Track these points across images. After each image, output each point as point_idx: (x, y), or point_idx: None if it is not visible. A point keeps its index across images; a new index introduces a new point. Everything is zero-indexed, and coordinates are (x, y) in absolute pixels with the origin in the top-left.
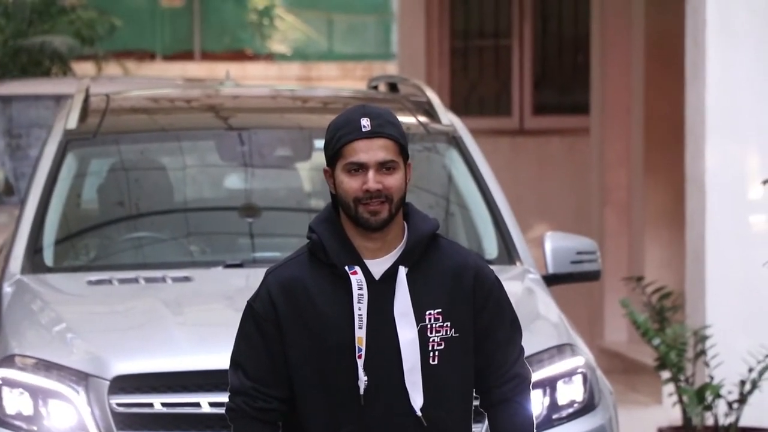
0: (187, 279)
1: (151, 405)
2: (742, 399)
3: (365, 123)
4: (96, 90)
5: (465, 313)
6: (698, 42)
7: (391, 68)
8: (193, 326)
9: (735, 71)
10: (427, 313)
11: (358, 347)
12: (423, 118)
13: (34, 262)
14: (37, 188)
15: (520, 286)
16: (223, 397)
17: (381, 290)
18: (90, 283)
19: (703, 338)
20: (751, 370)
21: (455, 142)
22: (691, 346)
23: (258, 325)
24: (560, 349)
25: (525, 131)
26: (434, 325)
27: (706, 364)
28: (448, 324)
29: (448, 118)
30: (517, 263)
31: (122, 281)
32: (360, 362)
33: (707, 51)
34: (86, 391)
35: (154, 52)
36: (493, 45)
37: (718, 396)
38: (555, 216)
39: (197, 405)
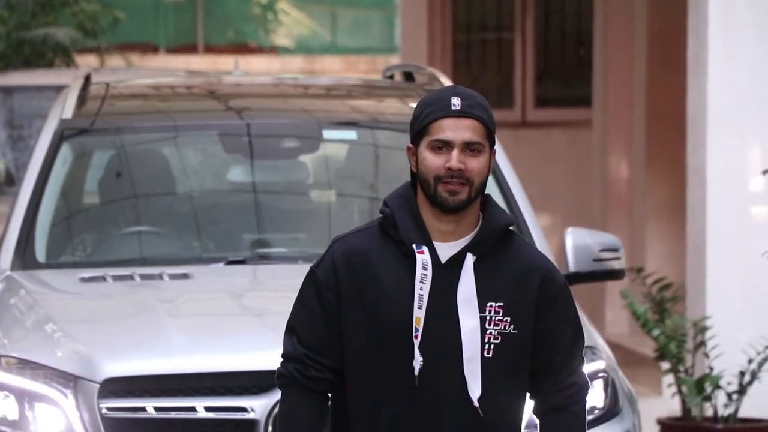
0: (185, 276)
1: (143, 409)
2: (742, 390)
3: (455, 102)
4: (97, 80)
5: (527, 313)
6: (700, 37)
7: (395, 61)
8: (189, 326)
9: (736, 66)
10: (489, 304)
11: (416, 327)
12: None
13: (24, 258)
14: (30, 181)
15: None
16: (221, 401)
17: (446, 275)
18: (83, 280)
19: (703, 329)
20: (750, 361)
21: None
22: (691, 338)
23: (318, 291)
24: None
25: (527, 123)
26: (494, 318)
27: (706, 355)
28: (508, 319)
29: None
30: None
31: (116, 278)
32: (416, 342)
33: (709, 46)
34: (75, 394)
35: (157, 45)
36: (496, 38)
37: (717, 387)
38: (557, 208)
39: (192, 410)
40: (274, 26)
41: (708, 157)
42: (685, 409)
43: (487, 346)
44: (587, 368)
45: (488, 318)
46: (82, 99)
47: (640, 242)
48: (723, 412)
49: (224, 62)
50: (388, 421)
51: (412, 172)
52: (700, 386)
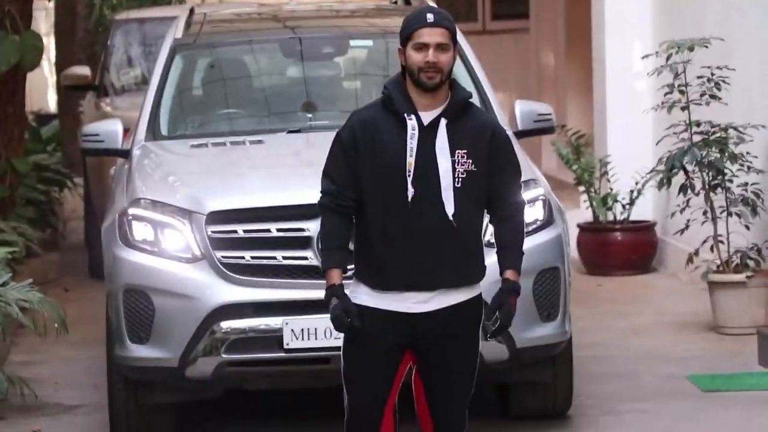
0: (260, 142)
1: (235, 231)
2: (632, 203)
3: (430, 17)
4: (198, 12)
5: (482, 156)
6: None
7: None
8: (263, 175)
9: None
10: (457, 151)
11: (408, 169)
12: None
13: (153, 132)
14: (155, 81)
15: None
16: (287, 224)
17: (427, 133)
18: (192, 146)
19: (605, 164)
20: (636, 183)
21: None
22: (598, 169)
23: (342, 147)
24: (526, 183)
25: (486, 31)
26: (461, 161)
27: (608, 180)
28: (471, 161)
29: None
30: None
31: (214, 144)
32: (409, 179)
33: None
34: (190, 222)
35: None
36: None
37: (615, 201)
38: (507, 88)
39: (268, 230)
40: None
41: (606, 52)
42: (595, 217)
43: (457, 179)
44: (532, 194)
45: (457, 161)
46: (188, 24)
47: (563, 108)
48: (619, 217)
49: None
50: (392, 231)
51: (402, 65)
52: (605, 201)
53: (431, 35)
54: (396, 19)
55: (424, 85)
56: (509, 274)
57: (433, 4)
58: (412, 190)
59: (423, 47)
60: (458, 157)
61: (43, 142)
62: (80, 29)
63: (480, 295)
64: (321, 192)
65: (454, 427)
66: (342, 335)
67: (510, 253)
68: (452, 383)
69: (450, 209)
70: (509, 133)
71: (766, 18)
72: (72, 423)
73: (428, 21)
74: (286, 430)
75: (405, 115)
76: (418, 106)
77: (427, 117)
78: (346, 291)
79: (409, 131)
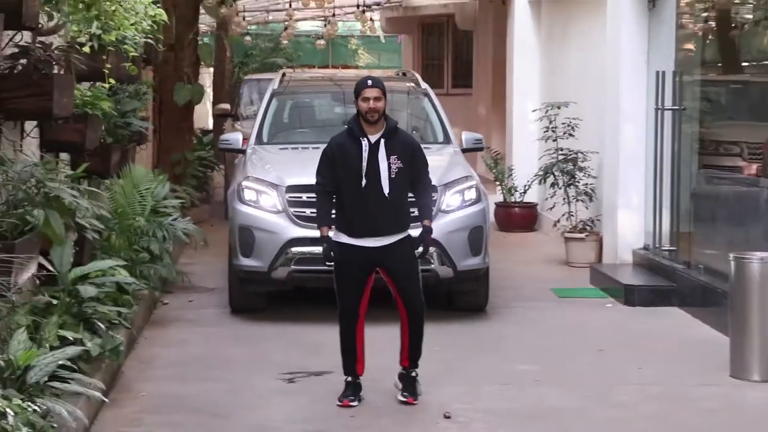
0: (317, 147)
1: (301, 197)
2: (525, 192)
3: (369, 82)
4: (288, 75)
5: (407, 160)
6: (511, 57)
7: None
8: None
9: (524, 68)
10: (391, 157)
11: (363, 168)
12: (414, 85)
13: (259, 140)
14: (261, 111)
15: (452, 151)
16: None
17: (373, 148)
18: (280, 148)
19: (511, 170)
20: (527, 181)
21: (427, 94)
22: (507, 172)
23: (326, 157)
24: (466, 177)
25: (449, 94)
26: (394, 162)
27: (512, 179)
28: (399, 162)
29: (424, 85)
30: (450, 144)
31: (292, 148)
32: (363, 174)
33: (514, 62)
34: (276, 191)
35: (314, 65)
36: (437, 63)
37: (516, 191)
38: (459, 125)
39: (313, 196)
40: (357, 58)
41: (513, 105)
42: (504, 199)
43: (391, 173)
44: (469, 183)
45: (391, 163)
46: (280, 81)
47: (490, 137)
48: (518, 200)
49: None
50: (355, 204)
51: (357, 110)
52: (510, 191)
53: (371, 92)
54: (400, 83)
55: (369, 120)
56: (426, 221)
57: (419, 77)
58: (365, 180)
59: (366, 99)
60: (392, 160)
61: (203, 144)
62: (226, 84)
63: (409, 235)
64: (315, 183)
65: (416, 304)
66: (333, 263)
67: (425, 209)
68: (406, 278)
69: (386, 191)
70: (457, 149)
71: (599, 93)
72: (210, 298)
73: (368, 84)
74: (320, 307)
75: (360, 138)
76: (367, 132)
77: (373, 138)
78: (332, 237)
79: (363, 147)
